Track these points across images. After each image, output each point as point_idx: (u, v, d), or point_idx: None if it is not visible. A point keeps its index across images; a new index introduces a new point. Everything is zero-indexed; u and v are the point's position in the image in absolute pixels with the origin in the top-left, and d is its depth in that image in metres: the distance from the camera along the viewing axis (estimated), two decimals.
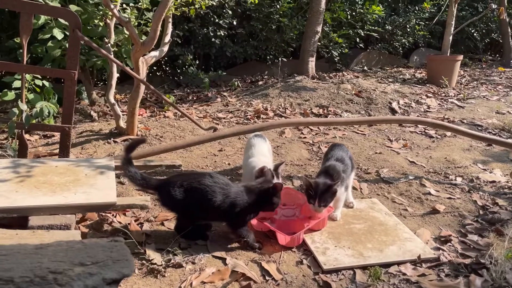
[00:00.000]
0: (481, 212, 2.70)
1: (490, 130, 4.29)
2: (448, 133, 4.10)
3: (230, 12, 6.13)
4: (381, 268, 2.08)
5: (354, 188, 2.94)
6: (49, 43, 4.15)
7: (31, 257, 1.00)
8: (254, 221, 2.35)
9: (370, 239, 2.32)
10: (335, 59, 7.12)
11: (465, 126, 4.28)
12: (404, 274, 2.07)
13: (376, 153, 3.59)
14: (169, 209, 2.23)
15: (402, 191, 2.96)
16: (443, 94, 5.73)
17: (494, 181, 3.11)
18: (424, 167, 3.34)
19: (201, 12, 5.82)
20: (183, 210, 2.16)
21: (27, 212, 1.92)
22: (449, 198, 2.86)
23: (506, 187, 3.03)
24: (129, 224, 2.35)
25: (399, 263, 2.14)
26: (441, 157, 3.53)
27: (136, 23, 4.06)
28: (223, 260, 2.08)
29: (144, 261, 2.00)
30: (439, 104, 5.31)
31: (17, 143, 2.94)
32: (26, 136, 3.07)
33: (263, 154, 2.71)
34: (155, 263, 1.99)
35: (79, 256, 1.03)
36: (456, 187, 3.01)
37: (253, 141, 2.82)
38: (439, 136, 4.08)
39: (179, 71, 6.14)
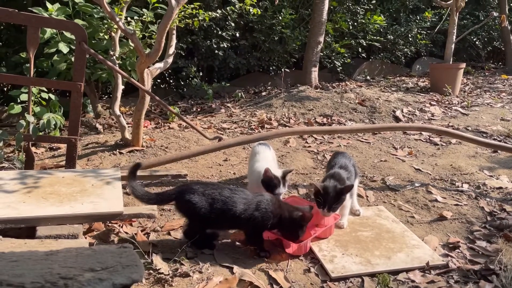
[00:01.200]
0: (488, 218, 2.69)
1: (495, 137, 4.28)
2: (453, 140, 4.09)
3: (233, 24, 6.19)
4: (389, 276, 2.07)
5: (360, 196, 2.94)
6: (55, 57, 4.20)
7: (42, 263, 1.00)
8: None
9: (377, 247, 2.31)
10: (338, 69, 7.15)
11: (470, 133, 4.27)
12: (413, 281, 2.06)
13: (381, 161, 3.58)
14: (185, 214, 2.24)
15: (409, 198, 2.95)
16: (447, 102, 5.73)
17: (501, 187, 3.09)
18: (430, 174, 3.33)
19: (204, 25, 5.88)
20: (200, 216, 2.17)
21: (35, 222, 1.92)
22: (456, 204, 2.85)
23: None
24: (135, 234, 2.35)
25: (407, 270, 2.13)
26: (446, 164, 3.52)
27: (141, 36, 4.10)
28: (230, 269, 2.08)
29: (151, 271, 2.00)
30: (443, 112, 5.31)
31: (24, 155, 2.96)
32: (33, 148, 3.09)
33: (267, 161, 2.71)
34: (162, 273, 1.99)
35: (89, 262, 1.03)
36: (463, 194, 3.00)
37: (258, 149, 2.83)
38: (444, 144, 4.07)
39: (182, 83, 6.18)
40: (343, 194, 2.35)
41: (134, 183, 2.24)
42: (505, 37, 8.80)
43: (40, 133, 2.93)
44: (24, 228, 1.93)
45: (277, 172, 2.53)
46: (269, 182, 2.46)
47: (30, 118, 2.77)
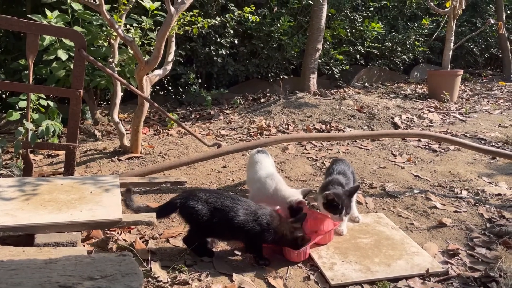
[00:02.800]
0: (488, 225, 2.69)
1: (493, 144, 4.29)
2: (452, 147, 4.10)
3: (231, 31, 6.20)
4: (389, 283, 2.06)
5: (359, 202, 2.93)
6: (54, 64, 4.20)
7: (41, 271, 0.99)
8: None
9: (377, 254, 2.31)
10: (336, 75, 7.17)
11: (468, 140, 4.28)
12: None
13: (380, 167, 3.58)
14: (186, 220, 2.25)
15: (408, 205, 2.95)
16: (445, 109, 5.75)
17: (499, 194, 3.10)
18: (429, 181, 3.33)
19: (203, 32, 5.90)
20: (202, 224, 2.17)
21: (33, 230, 1.91)
22: (455, 211, 2.84)
23: None
24: (134, 241, 2.33)
25: (407, 278, 2.12)
26: (445, 170, 3.52)
27: (140, 43, 4.11)
28: (229, 276, 2.07)
29: (149, 279, 1.98)
30: (441, 118, 5.32)
31: (22, 162, 2.95)
32: (31, 156, 3.08)
33: (268, 169, 2.70)
34: (161, 281, 1.97)
35: (88, 270, 1.02)
36: (462, 201, 3.00)
37: (257, 157, 2.81)
38: (442, 150, 4.08)
39: (181, 90, 6.19)
40: (351, 196, 2.43)
41: (134, 206, 2.28)
42: (502, 44, 8.83)
43: (39, 140, 2.92)
44: (23, 236, 1.91)
45: (295, 192, 2.53)
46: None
47: (29, 125, 2.77)
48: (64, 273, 0.99)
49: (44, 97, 3.67)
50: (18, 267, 1.00)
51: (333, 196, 2.34)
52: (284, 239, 2.20)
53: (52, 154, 3.78)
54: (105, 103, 6.06)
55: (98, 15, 4.16)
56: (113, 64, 3.85)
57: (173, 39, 4.12)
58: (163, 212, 2.26)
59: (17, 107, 3.61)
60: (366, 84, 7.71)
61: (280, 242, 2.23)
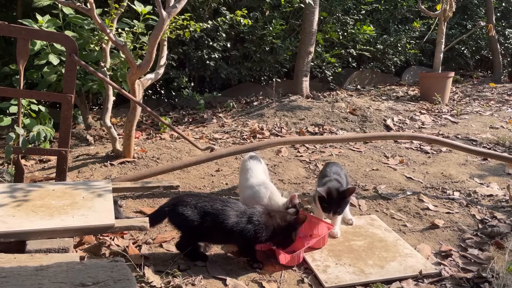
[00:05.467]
0: (480, 226, 2.70)
1: (484, 145, 4.32)
2: (444, 149, 4.12)
3: (224, 35, 6.21)
4: (382, 285, 2.07)
5: (352, 205, 2.94)
6: (45, 69, 4.17)
7: (32, 278, 0.98)
8: None
9: (370, 256, 2.31)
10: (329, 78, 7.20)
11: (460, 141, 4.31)
12: None
13: (373, 169, 3.60)
14: (177, 227, 2.24)
15: (401, 207, 2.96)
16: (437, 111, 5.79)
17: (491, 195, 3.12)
18: (421, 183, 3.35)
19: (195, 36, 5.90)
20: (192, 229, 2.16)
21: (25, 237, 1.89)
22: (448, 212, 2.86)
23: (504, 200, 3.04)
24: (127, 246, 2.32)
25: (400, 279, 2.13)
26: (437, 172, 3.55)
27: (132, 47, 4.10)
28: (223, 281, 2.06)
29: (143, 284, 1.97)
30: (433, 120, 5.36)
31: (13, 168, 2.92)
32: (22, 161, 3.06)
33: (259, 176, 2.68)
34: (154, 286, 1.96)
35: (79, 276, 1.01)
36: (454, 202, 3.02)
37: (249, 164, 2.75)
38: (434, 152, 4.10)
39: (174, 93, 6.18)
40: (346, 197, 2.45)
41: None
42: (493, 46, 8.93)
43: (30, 146, 2.90)
44: (14, 242, 1.89)
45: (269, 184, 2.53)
46: None
47: (20, 131, 2.75)
48: (56, 280, 0.98)
49: (35, 102, 3.64)
50: (9, 274, 0.99)
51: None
52: (278, 232, 2.19)
53: (44, 159, 3.75)
54: (97, 108, 6.02)
55: (89, 19, 4.14)
56: (105, 69, 3.84)
57: (165, 43, 4.11)
58: (152, 221, 2.24)
59: (8, 112, 3.59)
60: (359, 86, 7.75)
61: (275, 238, 2.21)
